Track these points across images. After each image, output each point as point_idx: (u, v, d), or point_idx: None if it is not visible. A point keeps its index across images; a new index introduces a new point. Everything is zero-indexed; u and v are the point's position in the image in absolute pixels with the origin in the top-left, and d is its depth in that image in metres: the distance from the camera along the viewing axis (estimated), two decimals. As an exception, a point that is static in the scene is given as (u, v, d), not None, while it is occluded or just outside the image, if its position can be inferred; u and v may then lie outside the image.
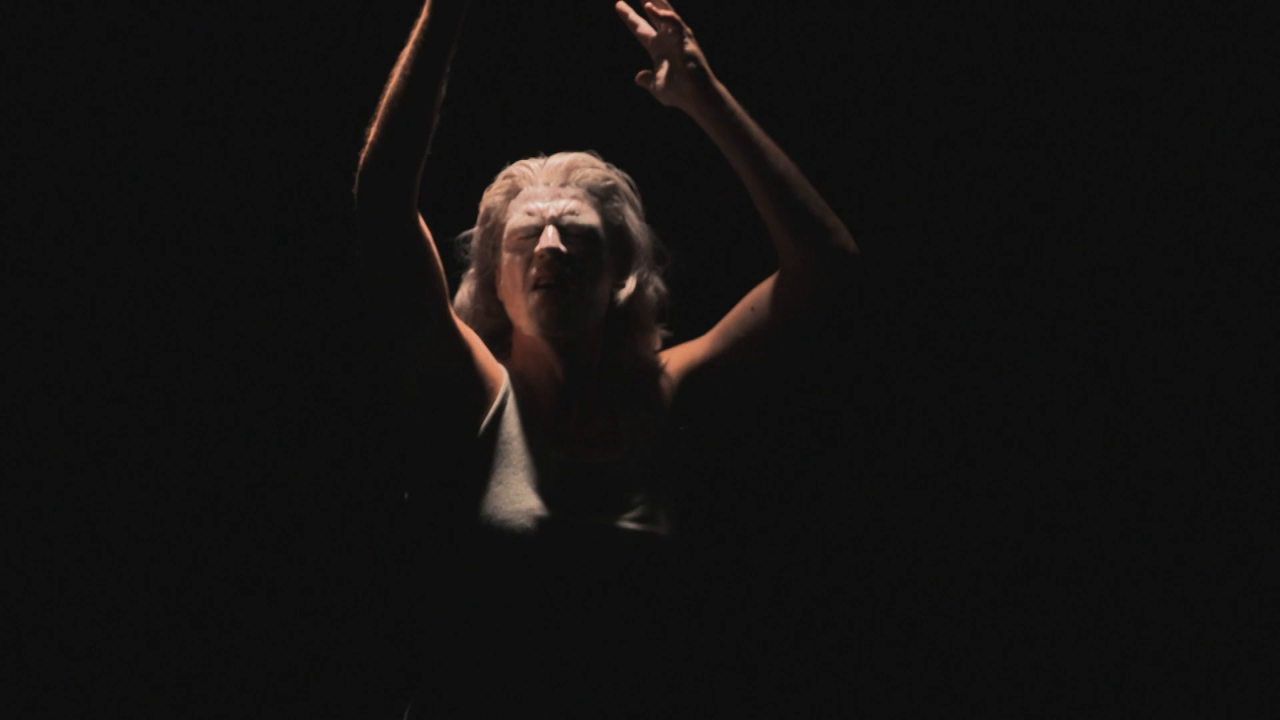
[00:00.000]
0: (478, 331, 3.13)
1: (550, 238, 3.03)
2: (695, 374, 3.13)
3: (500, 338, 3.14)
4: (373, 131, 2.88)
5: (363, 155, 2.89)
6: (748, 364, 3.11)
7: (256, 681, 4.26)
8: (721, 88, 3.04)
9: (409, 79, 2.86)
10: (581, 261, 3.04)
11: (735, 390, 3.13)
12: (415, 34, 2.87)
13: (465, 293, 3.15)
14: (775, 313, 3.08)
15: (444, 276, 2.99)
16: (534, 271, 3.03)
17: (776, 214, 3.04)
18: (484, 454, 3.01)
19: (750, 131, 3.04)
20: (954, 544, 4.25)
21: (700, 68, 3.03)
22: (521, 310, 3.05)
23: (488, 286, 3.12)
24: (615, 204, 3.10)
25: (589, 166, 3.10)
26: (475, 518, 2.97)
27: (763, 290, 3.10)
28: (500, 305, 3.11)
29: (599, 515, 2.99)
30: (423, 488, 3.02)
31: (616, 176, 3.12)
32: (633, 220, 3.11)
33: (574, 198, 3.07)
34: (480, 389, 3.03)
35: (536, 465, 3.01)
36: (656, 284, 3.14)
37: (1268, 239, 4.20)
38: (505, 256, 3.07)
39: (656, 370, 3.15)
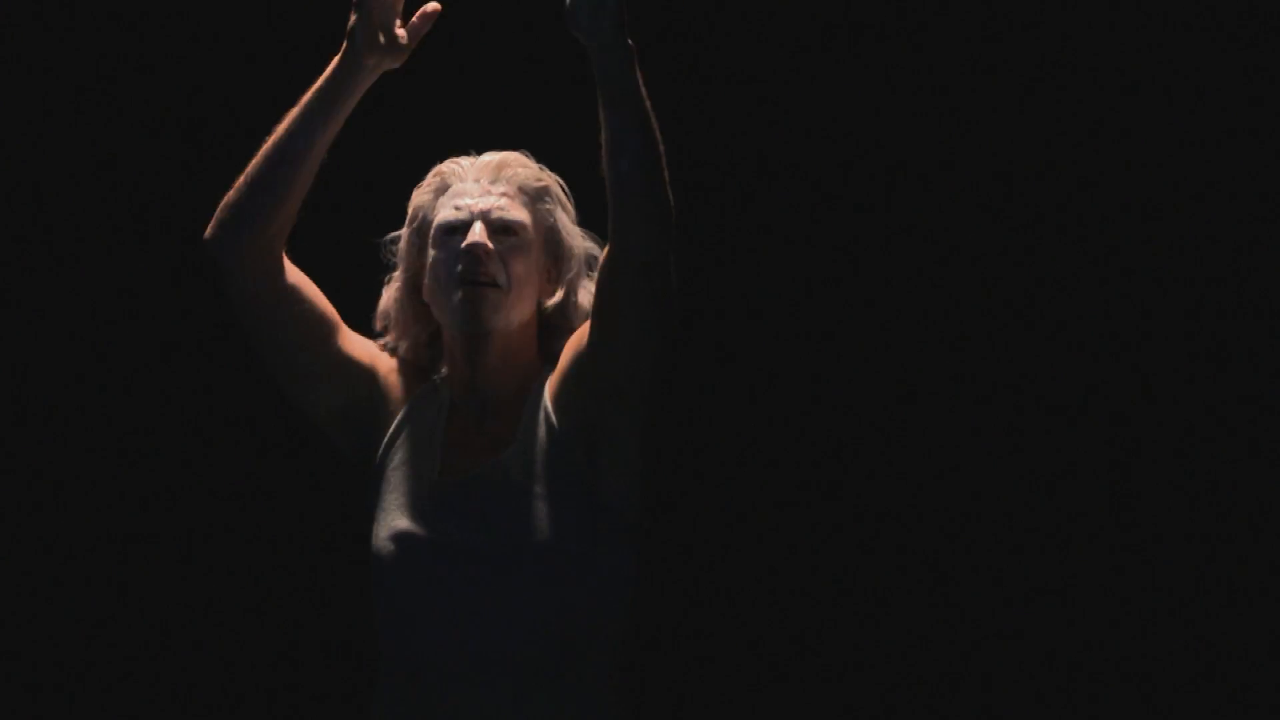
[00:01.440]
0: (408, 342, 3.07)
1: (478, 233, 2.96)
2: (566, 368, 2.97)
3: (432, 344, 3.06)
4: (236, 182, 2.92)
5: (221, 202, 2.93)
6: (598, 354, 2.90)
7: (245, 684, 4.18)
8: (630, 44, 2.74)
9: (282, 150, 2.91)
10: (509, 259, 2.96)
11: (602, 384, 2.92)
12: (295, 111, 2.91)
13: (389, 298, 3.08)
14: (604, 290, 2.86)
15: (329, 317, 2.99)
16: (460, 267, 2.95)
17: (615, 178, 2.78)
18: (378, 482, 3.01)
19: (637, 90, 2.75)
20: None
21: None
22: (445, 307, 2.97)
23: (414, 289, 3.04)
24: (547, 205, 3.03)
25: (521, 166, 3.03)
26: (368, 545, 2.99)
27: (599, 269, 2.90)
28: (427, 309, 3.03)
29: (461, 531, 2.92)
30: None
31: (549, 178, 3.05)
32: (565, 223, 3.04)
33: (504, 195, 3.00)
34: (382, 418, 3.03)
35: (413, 485, 2.97)
36: (589, 288, 3.04)
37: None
38: (431, 253, 3.00)
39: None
